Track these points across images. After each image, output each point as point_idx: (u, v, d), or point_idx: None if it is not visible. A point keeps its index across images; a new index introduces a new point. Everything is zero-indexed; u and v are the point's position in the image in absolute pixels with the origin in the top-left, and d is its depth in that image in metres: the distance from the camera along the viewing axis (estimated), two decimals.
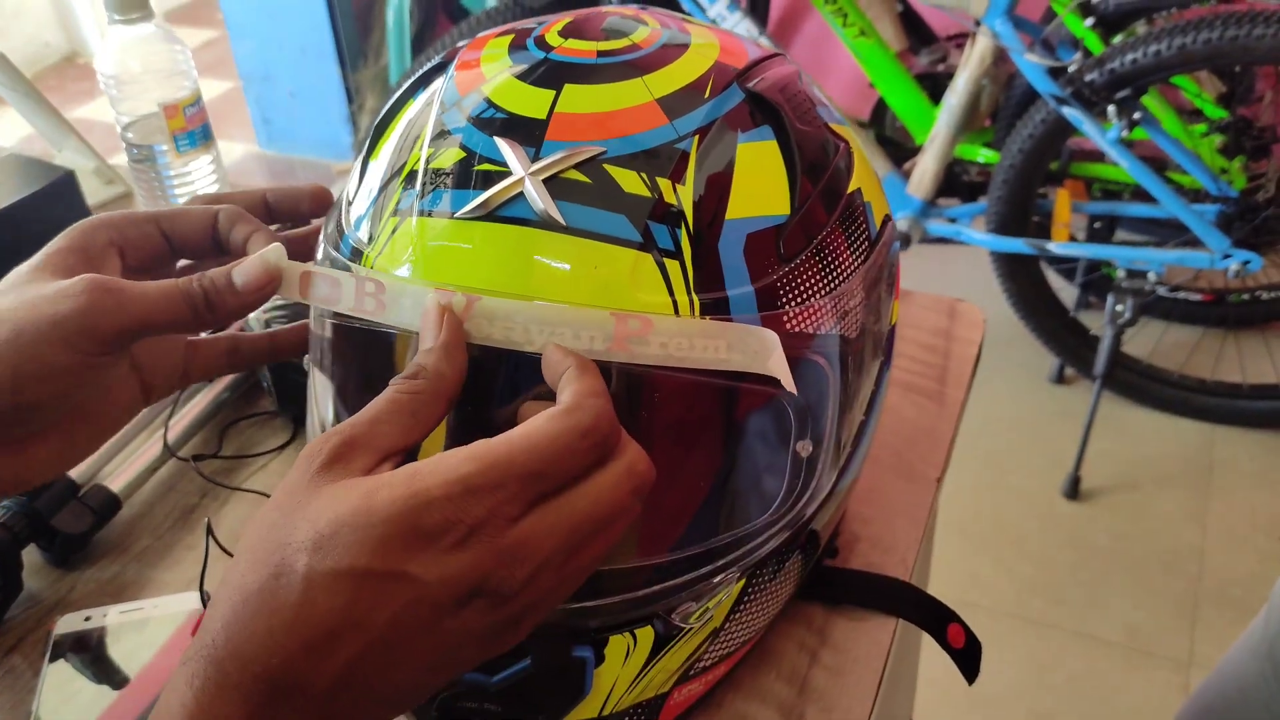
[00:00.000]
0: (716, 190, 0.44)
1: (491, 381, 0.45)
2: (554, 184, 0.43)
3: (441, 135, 0.46)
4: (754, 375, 0.44)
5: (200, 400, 0.79)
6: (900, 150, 2.20)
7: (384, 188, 0.47)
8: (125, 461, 0.73)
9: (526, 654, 0.47)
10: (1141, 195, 1.94)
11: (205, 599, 0.64)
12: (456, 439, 0.45)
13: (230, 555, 0.67)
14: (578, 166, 0.43)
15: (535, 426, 0.38)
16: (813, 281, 0.46)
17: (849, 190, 0.50)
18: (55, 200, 0.97)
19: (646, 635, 0.49)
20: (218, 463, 0.76)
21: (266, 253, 0.47)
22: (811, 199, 0.47)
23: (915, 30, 2.20)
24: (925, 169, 2.01)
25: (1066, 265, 2.23)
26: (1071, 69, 1.76)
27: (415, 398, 0.40)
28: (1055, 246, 1.95)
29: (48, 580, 0.68)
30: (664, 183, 0.44)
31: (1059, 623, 1.72)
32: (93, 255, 0.49)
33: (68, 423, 0.49)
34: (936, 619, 0.61)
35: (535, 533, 0.37)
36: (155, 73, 0.90)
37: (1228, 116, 1.96)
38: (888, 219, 0.54)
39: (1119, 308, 1.91)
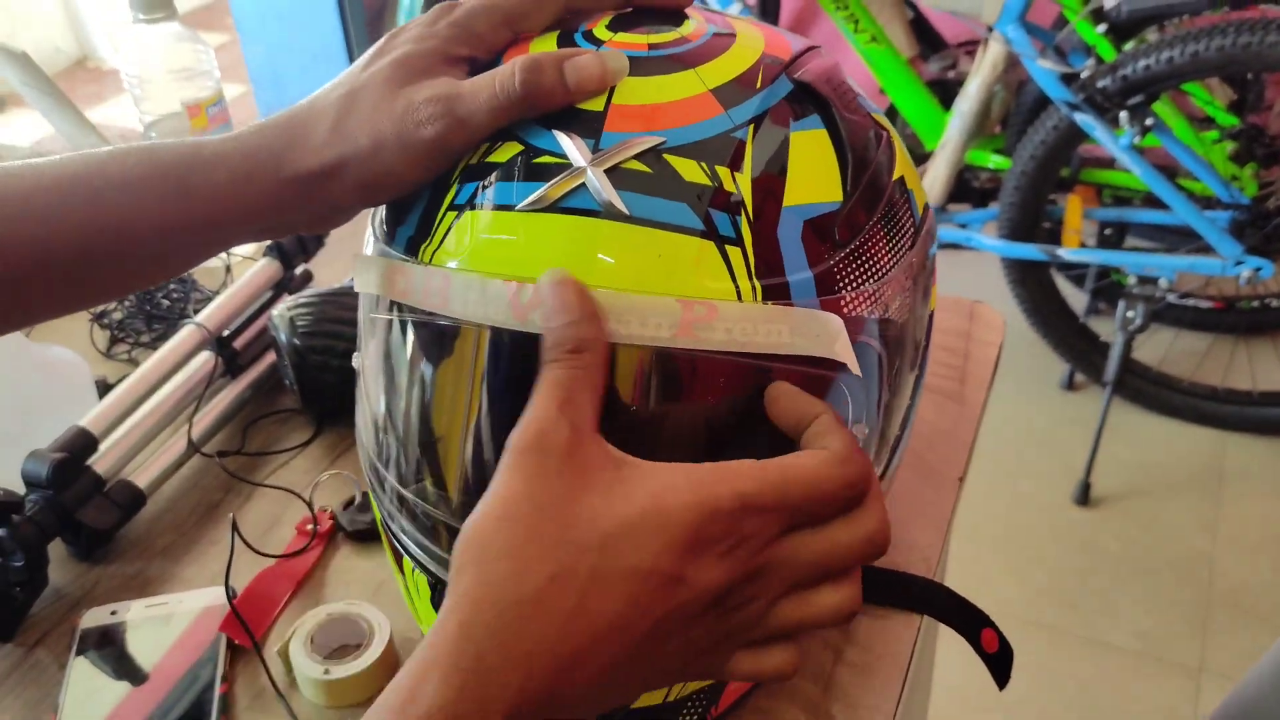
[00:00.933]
0: (773, 178, 0.45)
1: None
2: (615, 174, 0.44)
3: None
4: (816, 359, 0.44)
5: (224, 397, 0.79)
6: (911, 156, 2.20)
7: (437, 182, 0.47)
8: (150, 457, 0.74)
9: None
10: (1153, 202, 1.94)
11: (230, 594, 0.64)
12: (499, 424, 0.46)
13: (254, 551, 0.67)
14: (638, 156, 0.44)
15: (812, 465, 0.41)
16: (866, 267, 0.47)
17: (894, 178, 0.51)
18: None
19: None
20: (241, 459, 0.77)
21: (606, 55, 0.46)
22: (862, 186, 0.47)
23: (926, 37, 2.20)
24: (936, 175, 2.01)
25: (1077, 271, 2.23)
26: (1084, 75, 1.76)
27: (588, 372, 0.41)
28: (1066, 253, 1.95)
29: (73, 574, 0.68)
30: (723, 171, 0.44)
31: (1070, 629, 1.72)
32: (451, 62, 0.48)
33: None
34: (971, 622, 0.61)
35: (779, 558, 0.40)
36: (178, 72, 0.91)
37: (1239, 124, 1.96)
38: (927, 207, 0.55)
39: (1129, 314, 1.91)
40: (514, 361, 0.46)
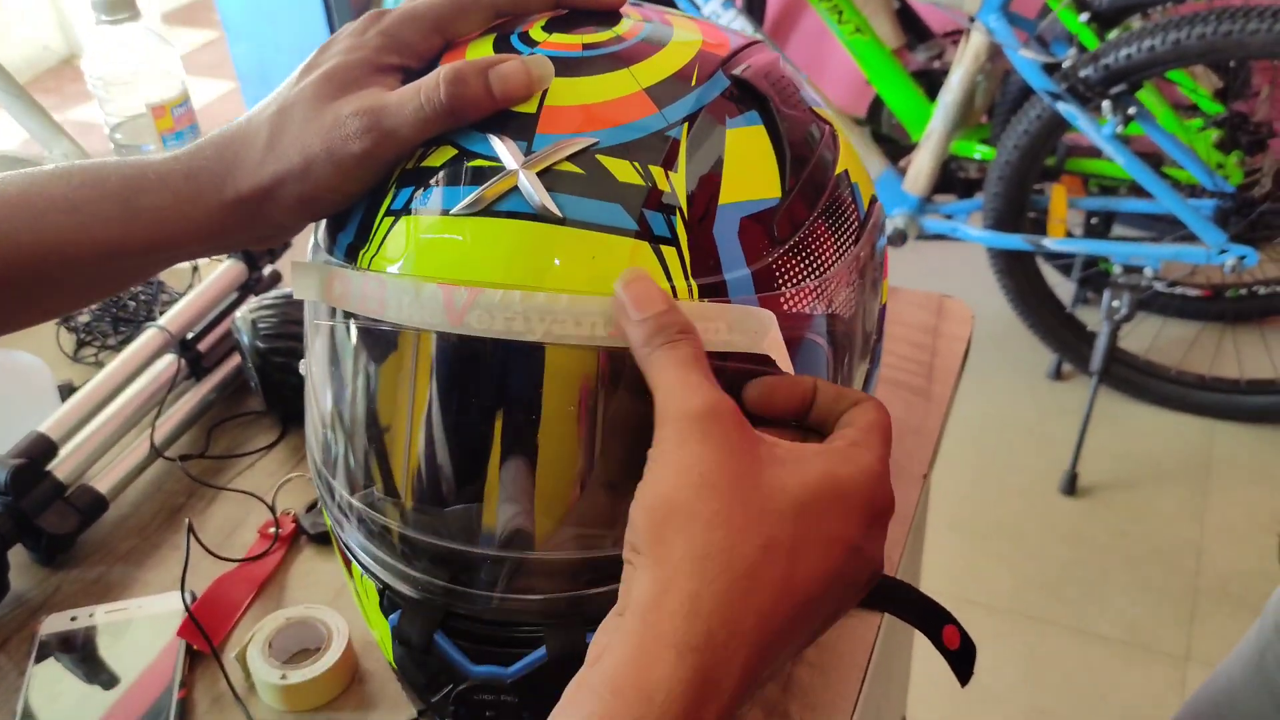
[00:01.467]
0: (708, 176, 0.45)
1: (494, 373, 0.46)
2: (548, 176, 0.44)
3: None
4: (755, 356, 0.45)
5: (188, 400, 0.79)
6: (896, 147, 2.20)
7: (375, 188, 0.47)
8: (112, 462, 0.73)
9: (540, 644, 0.48)
10: (1138, 191, 1.94)
11: (190, 599, 0.64)
12: (457, 431, 0.47)
13: (214, 555, 0.67)
14: (570, 158, 0.44)
15: (874, 415, 0.44)
16: (807, 263, 0.47)
17: (837, 172, 0.50)
18: None
19: None
20: (205, 462, 0.77)
21: (533, 63, 0.46)
22: (801, 181, 0.47)
23: (911, 27, 2.19)
24: (921, 166, 2.01)
25: (1063, 261, 2.23)
26: (1066, 65, 1.75)
27: (700, 350, 0.43)
28: (1052, 243, 1.95)
29: (34, 580, 0.68)
30: (657, 171, 0.44)
31: (1057, 619, 1.72)
32: (381, 71, 0.48)
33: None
34: (932, 619, 0.61)
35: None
36: (143, 73, 0.90)
37: (1224, 111, 1.95)
38: (874, 200, 0.54)
39: (1116, 303, 1.90)
40: (454, 364, 0.46)
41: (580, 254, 0.43)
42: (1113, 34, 1.87)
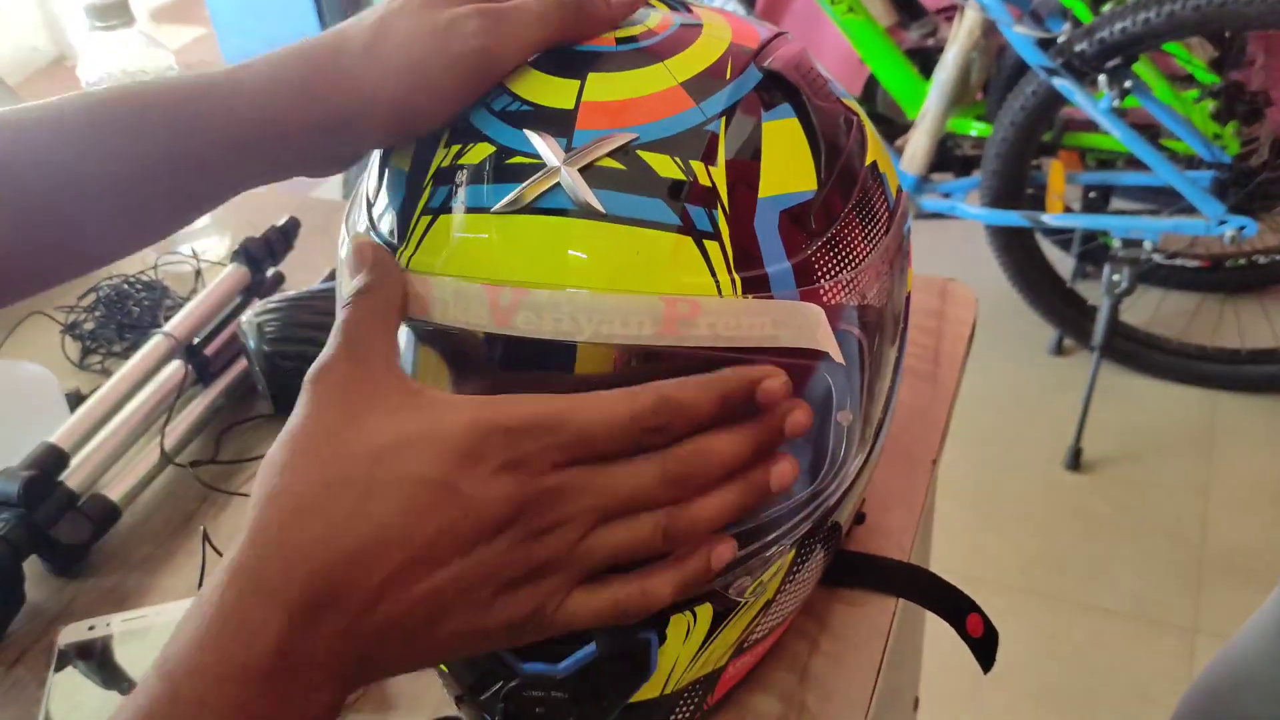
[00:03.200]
0: (748, 170, 0.45)
1: (537, 374, 0.46)
2: (588, 173, 0.43)
3: (465, 130, 0.46)
4: (798, 350, 0.45)
5: (196, 406, 0.79)
6: (892, 126, 2.19)
7: (410, 185, 0.47)
8: (123, 470, 0.74)
9: (591, 639, 0.48)
10: (1135, 164, 1.93)
11: None
12: None
13: None
14: (610, 154, 0.44)
15: (599, 397, 0.40)
16: (844, 255, 0.47)
17: (867, 163, 0.51)
18: None
19: (705, 612, 0.50)
20: (216, 468, 0.77)
21: None
22: (835, 173, 0.47)
23: (904, 4, 2.18)
24: (918, 145, 2.00)
25: (1062, 237, 2.22)
26: (1061, 40, 1.75)
27: (375, 312, 0.42)
28: (1050, 218, 1.95)
29: (50, 591, 0.69)
30: (697, 165, 0.44)
31: (1064, 594, 1.73)
32: None
33: None
34: (956, 608, 0.61)
35: (571, 484, 0.39)
36: (138, 78, 0.90)
37: (1220, 82, 1.95)
38: (900, 190, 0.55)
39: (1116, 277, 1.90)
40: (499, 364, 0.46)
41: (624, 250, 0.43)
42: (1107, 7, 1.86)
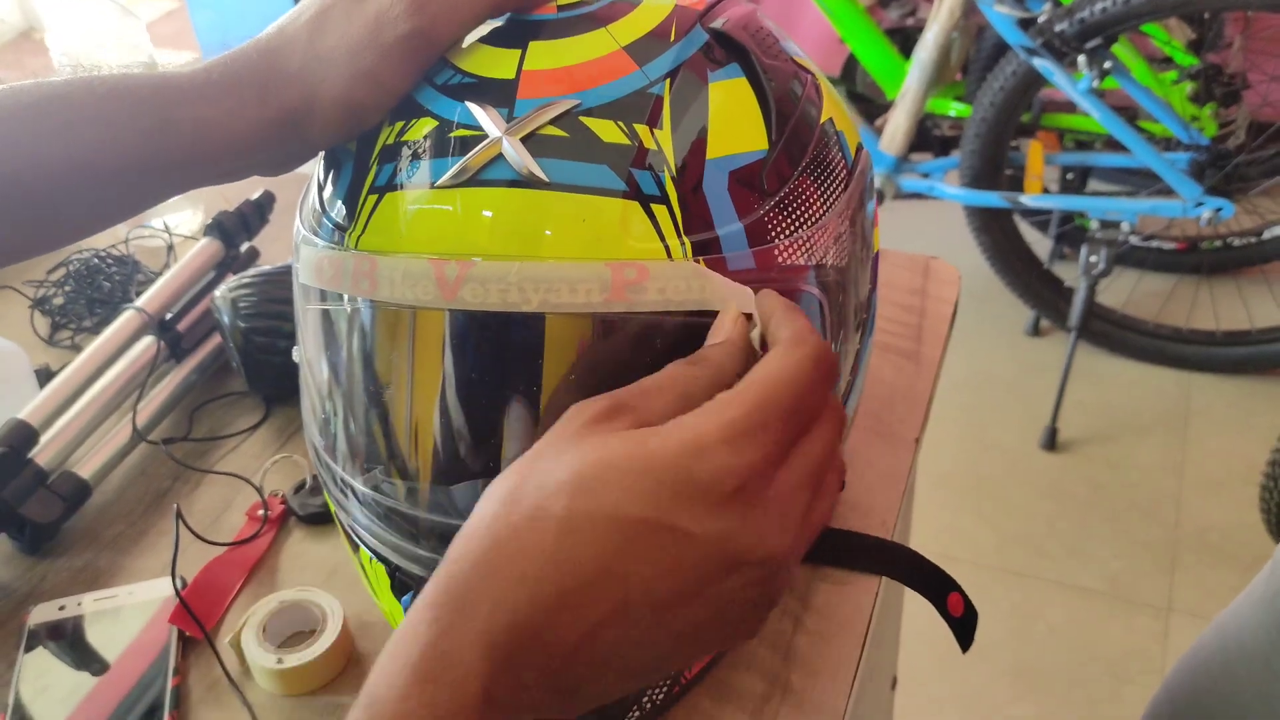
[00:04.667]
0: (694, 132, 0.44)
1: (493, 346, 0.45)
2: (532, 142, 0.43)
3: (409, 106, 0.46)
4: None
5: (169, 383, 0.77)
6: (872, 106, 2.19)
7: (356, 165, 0.46)
8: (94, 447, 0.72)
9: None
10: (1113, 145, 1.94)
11: (180, 585, 0.63)
12: (463, 408, 0.46)
13: (202, 540, 0.66)
14: (554, 122, 0.43)
15: (774, 365, 0.38)
16: (798, 214, 0.46)
17: (821, 120, 0.50)
18: None
19: None
20: (189, 445, 0.75)
21: None
22: (787, 132, 0.47)
23: None
24: (897, 125, 2.00)
25: (1040, 217, 2.23)
26: (1041, 20, 1.74)
27: (692, 380, 0.39)
28: (1028, 199, 1.95)
29: (19, 570, 0.67)
30: (642, 129, 0.43)
31: (1040, 573, 1.74)
32: None
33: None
34: (938, 587, 0.61)
35: (790, 484, 0.36)
36: (108, 48, 0.88)
37: (1198, 63, 1.95)
38: (860, 147, 0.54)
39: (1093, 259, 1.91)
40: (453, 340, 0.46)
41: (570, 218, 0.42)
42: None
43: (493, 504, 0.36)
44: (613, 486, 0.34)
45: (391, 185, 0.45)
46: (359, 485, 0.51)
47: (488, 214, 0.43)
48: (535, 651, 0.34)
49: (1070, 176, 2.09)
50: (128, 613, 0.63)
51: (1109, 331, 2.09)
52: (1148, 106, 1.85)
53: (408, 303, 0.43)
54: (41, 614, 0.63)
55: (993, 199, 1.96)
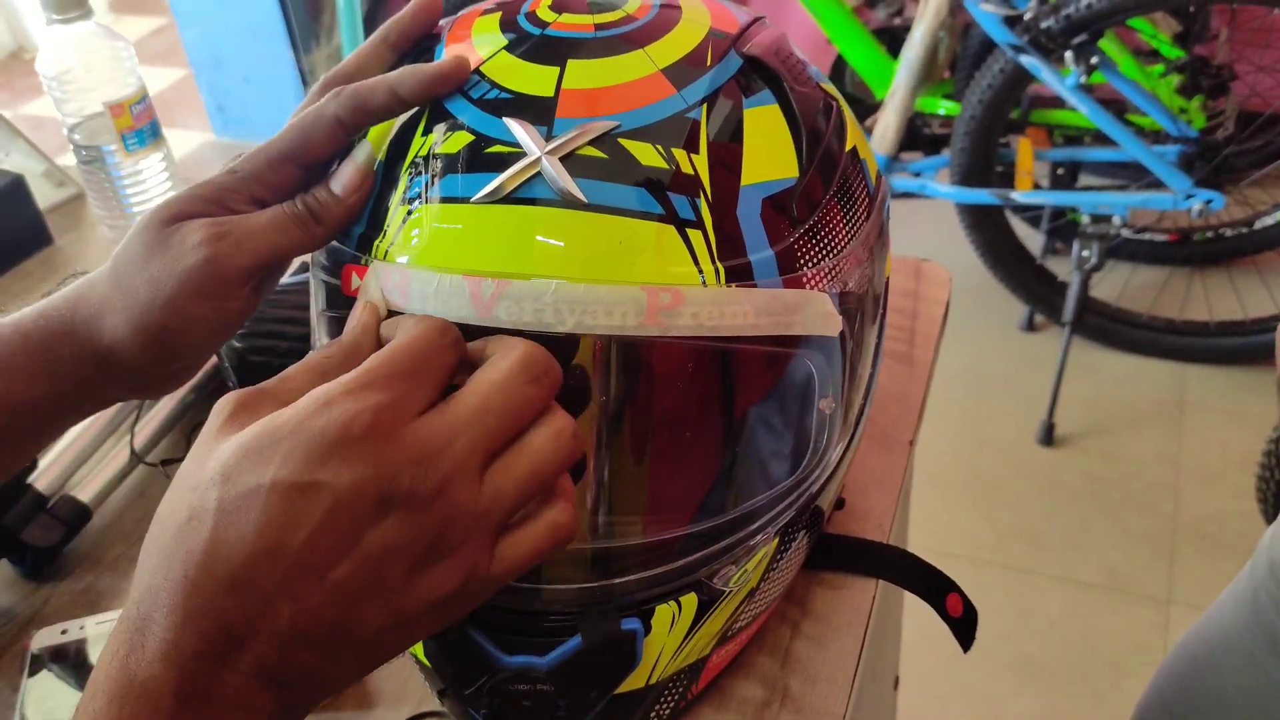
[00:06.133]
0: (730, 157, 0.45)
1: None
2: (570, 161, 0.43)
3: (443, 118, 0.45)
4: (780, 338, 0.45)
5: (166, 404, 0.78)
6: (861, 106, 2.19)
7: (387, 175, 0.46)
8: (93, 470, 0.72)
9: (575, 631, 0.48)
10: (1103, 139, 1.95)
11: None
12: None
13: None
14: (592, 142, 0.43)
15: (405, 340, 0.39)
16: (826, 242, 0.47)
17: (846, 149, 0.50)
18: (4, 205, 0.95)
19: (690, 602, 0.50)
20: None
21: (355, 154, 0.47)
22: (817, 160, 0.47)
23: None
24: (887, 124, 2.00)
25: (1032, 213, 2.24)
26: (1027, 16, 1.75)
27: (326, 360, 0.40)
28: (1020, 195, 1.96)
29: (21, 595, 0.68)
30: (679, 153, 0.44)
31: (1039, 568, 1.74)
32: (221, 206, 0.47)
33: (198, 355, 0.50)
34: (936, 588, 0.61)
35: (437, 427, 0.36)
36: (98, 71, 0.88)
37: (1185, 56, 1.96)
38: (880, 176, 0.55)
39: (1085, 253, 1.92)
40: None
41: (607, 240, 0.42)
42: None
43: (160, 516, 0.37)
44: (251, 463, 0.35)
45: (423, 198, 0.44)
46: None
47: (523, 233, 0.42)
48: (229, 645, 0.34)
49: (1060, 172, 2.09)
50: None
51: (1103, 325, 2.09)
52: (1136, 100, 1.86)
53: (440, 317, 0.42)
54: (44, 638, 0.64)
55: (984, 196, 1.97)
